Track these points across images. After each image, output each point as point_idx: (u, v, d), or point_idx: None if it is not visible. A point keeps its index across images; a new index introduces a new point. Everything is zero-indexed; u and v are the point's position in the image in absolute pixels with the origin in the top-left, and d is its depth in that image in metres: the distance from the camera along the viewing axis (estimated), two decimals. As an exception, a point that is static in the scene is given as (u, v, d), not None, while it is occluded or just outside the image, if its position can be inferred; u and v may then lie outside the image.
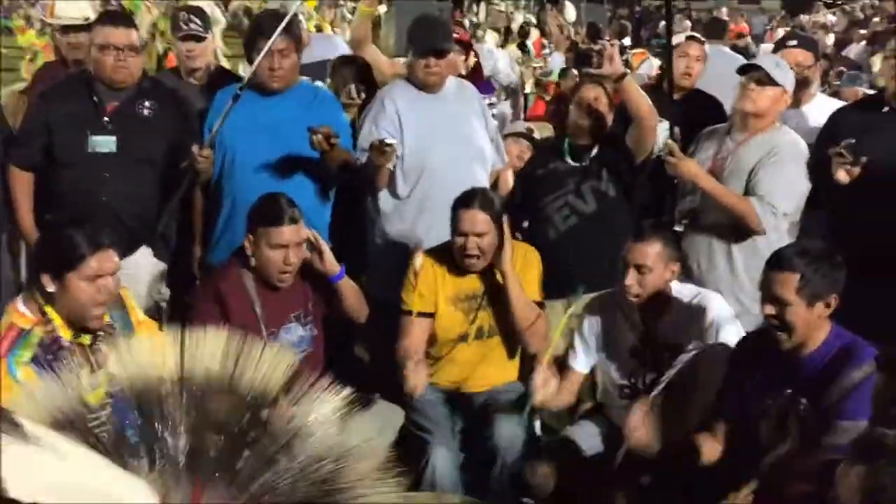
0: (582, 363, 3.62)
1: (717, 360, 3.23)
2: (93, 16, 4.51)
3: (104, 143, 3.88)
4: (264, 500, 0.92)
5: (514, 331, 3.65)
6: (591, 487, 3.32)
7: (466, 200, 3.58)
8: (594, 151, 4.12)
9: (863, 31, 12.43)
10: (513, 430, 3.52)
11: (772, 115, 3.91)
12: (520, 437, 3.50)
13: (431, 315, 3.67)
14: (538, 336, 3.66)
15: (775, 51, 4.81)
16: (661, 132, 4.17)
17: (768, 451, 2.93)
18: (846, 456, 1.76)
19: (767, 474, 2.79)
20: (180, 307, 3.97)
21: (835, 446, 2.57)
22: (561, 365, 3.66)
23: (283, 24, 3.75)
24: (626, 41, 12.82)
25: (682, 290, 3.48)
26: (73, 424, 0.94)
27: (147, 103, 3.96)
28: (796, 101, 4.29)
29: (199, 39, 4.41)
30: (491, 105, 6.28)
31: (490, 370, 3.76)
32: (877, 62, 7.72)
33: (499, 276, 3.62)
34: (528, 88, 10.23)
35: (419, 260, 3.71)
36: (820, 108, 4.43)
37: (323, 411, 0.98)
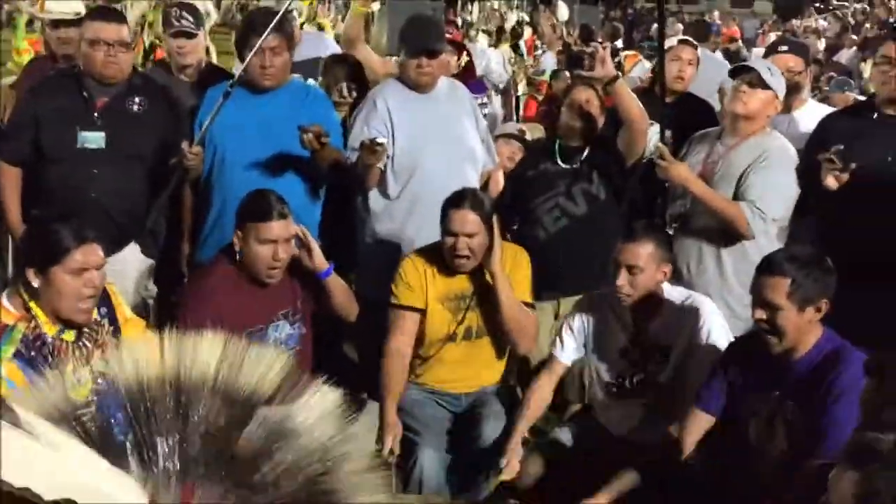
0: (567, 355, 3.61)
1: (707, 362, 3.24)
2: (83, 11, 4.49)
3: (93, 139, 3.86)
4: (254, 500, 0.91)
5: (502, 332, 3.65)
6: (578, 488, 3.32)
7: (457, 201, 3.57)
8: (585, 153, 4.12)
9: (854, 37, 12.48)
10: (500, 431, 3.51)
11: (762, 118, 3.92)
12: (506, 439, 3.50)
13: (420, 311, 3.66)
14: (527, 337, 3.66)
15: (766, 55, 4.83)
16: (652, 135, 4.18)
17: (757, 453, 2.95)
18: (839, 461, 1.76)
19: (761, 479, 2.80)
20: (168, 304, 3.96)
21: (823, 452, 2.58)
22: (546, 359, 3.67)
23: (274, 22, 3.74)
24: (619, 43, 12.85)
25: (674, 293, 3.49)
26: (61, 420, 0.94)
27: (137, 99, 3.94)
28: (787, 107, 4.30)
29: (191, 36, 4.40)
30: (483, 105, 6.27)
31: (478, 371, 3.75)
32: (867, 68, 7.75)
33: (488, 277, 3.61)
34: (521, 90, 10.24)
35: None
36: (810, 114, 4.45)
37: (314, 412, 0.97)
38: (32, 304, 2.75)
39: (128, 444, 0.92)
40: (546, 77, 9.38)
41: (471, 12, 14.07)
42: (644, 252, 3.36)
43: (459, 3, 14.14)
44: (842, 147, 3.70)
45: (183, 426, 0.90)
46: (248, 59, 3.82)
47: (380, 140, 3.79)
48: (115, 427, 0.96)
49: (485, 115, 5.00)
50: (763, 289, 2.88)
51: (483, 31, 11.78)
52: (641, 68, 7.88)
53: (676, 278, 3.72)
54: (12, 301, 2.78)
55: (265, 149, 3.93)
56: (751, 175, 3.82)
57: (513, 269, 3.67)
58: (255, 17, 4.33)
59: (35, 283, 2.73)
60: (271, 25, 3.72)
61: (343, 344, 4.37)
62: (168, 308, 3.94)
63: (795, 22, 17.28)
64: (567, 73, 8.09)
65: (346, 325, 3.80)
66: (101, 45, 3.85)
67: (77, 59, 4.04)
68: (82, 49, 3.92)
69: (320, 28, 8.93)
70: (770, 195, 3.80)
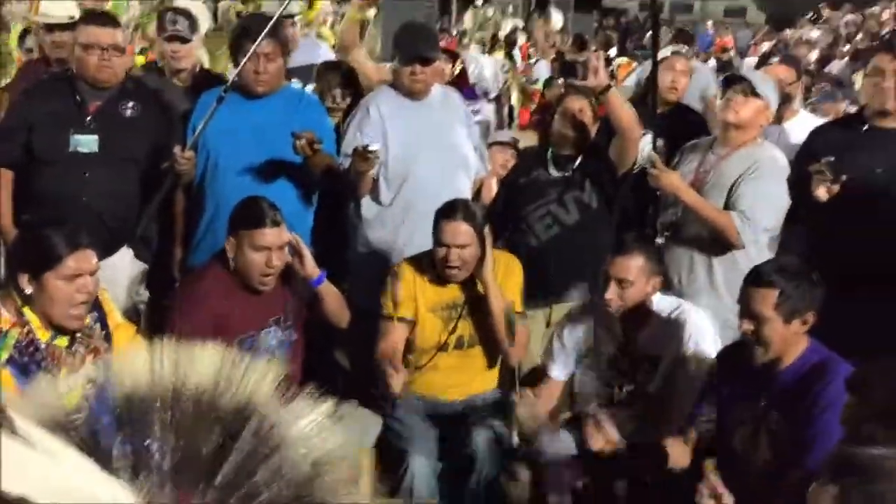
0: (560, 371, 3.63)
1: (695, 371, 3.26)
2: (77, 15, 4.49)
3: (86, 143, 3.86)
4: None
5: (493, 341, 3.65)
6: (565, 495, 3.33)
7: (449, 212, 3.57)
8: (577, 162, 4.13)
9: (846, 48, 12.53)
10: (490, 439, 3.52)
11: (754, 128, 3.93)
12: (497, 447, 3.50)
13: (410, 321, 3.66)
14: (518, 346, 3.66)
15: (759, 66, 4.86)
16: (644, 144, 4.19)
17: (742, 462, 2.96)
18: (819, 475, 1.76)
19: (747, 488, 2.80)
20: (159, 309, 3.95)
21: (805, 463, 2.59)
22: (540, 374, 3.67)
23: (268, 27, 3.75)
24: (613, 52, 12.87)
25: (663, 302, 3.50)
26: (54, 427, 0.94)
27: (130, 103, 3.94)
28: (778, 118, 4.32)
29: (185, 41, 4.40)
30: (475, 112, 6.29)
31: (469, 379, 3.75)
32: (859, 79, 7.78)
33: (479, 287, 3.62)
34: (514, 99, 10.24)
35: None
36: (801, 125, 4.47)
37: (306, 420, 0.98)
38: (26, 309, 2.74)
39: (119, 452, 0.93)
40: (539, 86, 9.40)
41: (465, 20, 14.07)
42: (634, 265, 3.37)
43: (454, 9, 14.16)
44: (832, 158, 3.72)
45: (175, 435, 0.91)
46: (241, 65, 3.82)
47: (372, 147, 3.79)
48: (105, 434, 0.96)
49: (478, 123, 5.02)
50: (750, 300, 2.89)
51: (476, 42, 11.78)
52: (636, 77, 7.89)
53: (667, 287, 3.74)
54: (5, 306, 2.77)
55: (258, 154, 3.93)
56: (742, 185, 3.83)
57: (504, 278, 3.68)
58: (250, 22, 4.34)
59: (27, 289, 2.73)
60: (265, 31, 3.72)
61: (335, 351, 4.36)
62: (160, 313, 3.94)
63: (788, 32, 17.33)
64: (560, 82, 8.11)
65: (337, 333, 3.80)
66: (95, 49, 3.85)
67: (70, 62, 4.04)
68: (76, 53, 3.92)
69: (319, 36, 8.92)
70: (761, 205, 3.82)
